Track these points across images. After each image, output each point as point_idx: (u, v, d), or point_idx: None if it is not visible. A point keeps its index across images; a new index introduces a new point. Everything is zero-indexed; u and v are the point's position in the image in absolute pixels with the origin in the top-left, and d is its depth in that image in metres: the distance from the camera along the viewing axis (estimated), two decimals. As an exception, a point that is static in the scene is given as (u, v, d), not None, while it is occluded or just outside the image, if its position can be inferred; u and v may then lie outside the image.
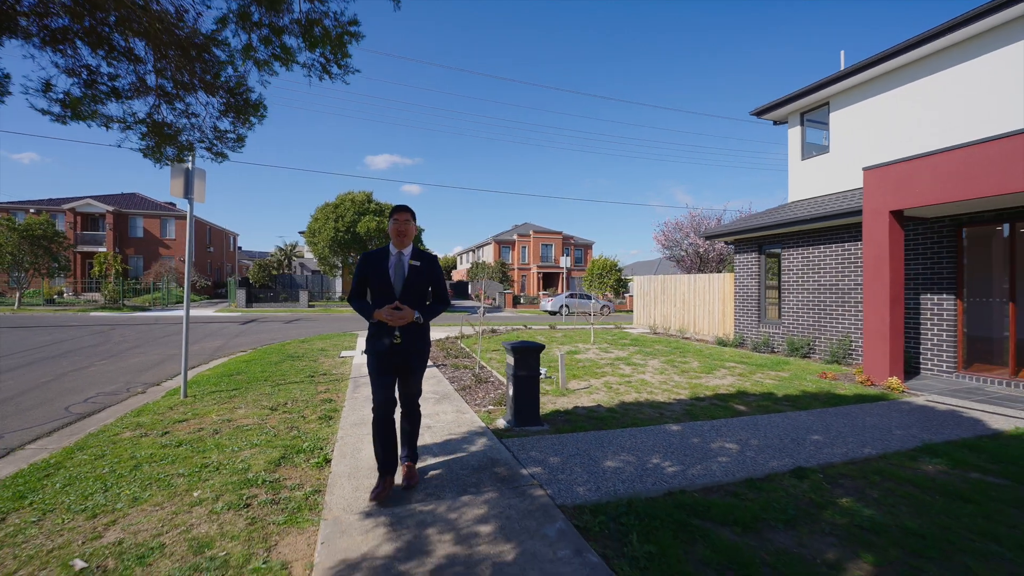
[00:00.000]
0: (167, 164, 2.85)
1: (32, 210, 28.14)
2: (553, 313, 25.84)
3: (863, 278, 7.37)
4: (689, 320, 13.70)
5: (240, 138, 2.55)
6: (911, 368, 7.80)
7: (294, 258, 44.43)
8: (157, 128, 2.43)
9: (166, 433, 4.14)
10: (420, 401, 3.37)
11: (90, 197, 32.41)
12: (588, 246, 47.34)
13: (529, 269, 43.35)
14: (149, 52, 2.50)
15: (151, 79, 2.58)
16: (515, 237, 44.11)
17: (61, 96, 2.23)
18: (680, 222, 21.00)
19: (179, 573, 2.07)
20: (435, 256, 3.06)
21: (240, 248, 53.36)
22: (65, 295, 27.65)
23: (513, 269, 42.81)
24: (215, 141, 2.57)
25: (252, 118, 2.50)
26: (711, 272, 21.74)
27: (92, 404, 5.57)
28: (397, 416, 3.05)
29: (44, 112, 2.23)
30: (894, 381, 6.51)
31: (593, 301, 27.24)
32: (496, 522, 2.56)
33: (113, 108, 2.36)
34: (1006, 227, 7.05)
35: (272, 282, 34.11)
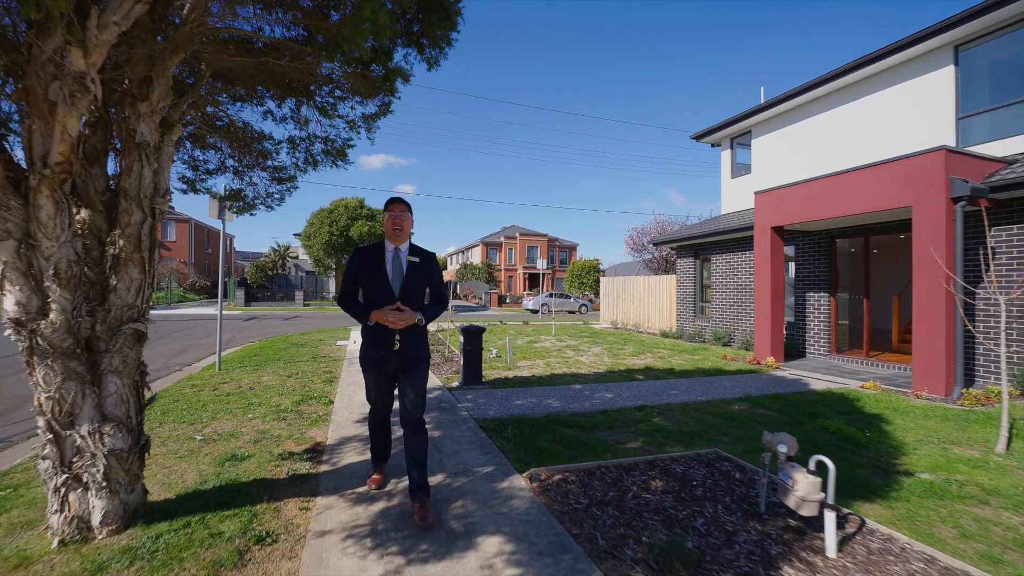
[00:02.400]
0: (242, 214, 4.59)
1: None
2: (534, 311, 27.62)
3: (755, 280, 9.24)
4: (644, 316, 15.54)
5: (282, 198, 4.30)
6: (799, 352, 9.68)
7: (288, 259, 45.88)
8: (235, 194, 4.18)
9: (216, 389, 5.88)
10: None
11: (93, 201, 33.80)
12: (573, 248, 49.32)
13: (515, 270, 45.24)
14: (227, 147, 4.27)
15: (229, 163, 4.34)
16: (502, 239, 45.99)
17: (186, 179, 3.98)
18: (646, 227, 22.97)
19: (255, 437, 3.83)
20: (433, 253, 2.90)
21: (235, 249, 54.61)
22: (71, 295, 29.07)
23: (500, 270, 44.69)
24: (266, 199, 4.32)
25: (290, 187, 4.26)
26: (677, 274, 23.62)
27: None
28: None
29: (178, 190, 3.99)
30: (770, 360, 8.36)
31: (572, 300, 29.12)
32: (434, 423, 4.35)
33: (213, 184, 4.12)
34: (862, 239, 8.94)
35: (269, 282, 35.64)
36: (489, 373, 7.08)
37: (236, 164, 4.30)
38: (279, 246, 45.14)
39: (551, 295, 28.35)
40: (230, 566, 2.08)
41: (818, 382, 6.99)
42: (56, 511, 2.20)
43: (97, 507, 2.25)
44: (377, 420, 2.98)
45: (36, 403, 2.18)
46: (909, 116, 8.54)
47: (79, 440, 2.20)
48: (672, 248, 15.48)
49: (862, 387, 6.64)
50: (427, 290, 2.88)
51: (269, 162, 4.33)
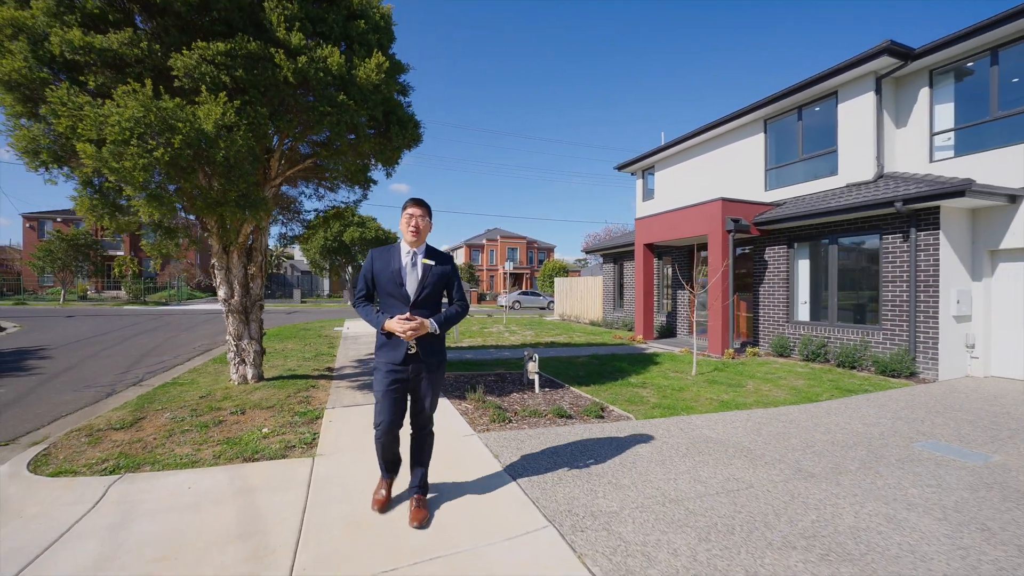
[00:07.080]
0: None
1: (59, 219, 32.59)
2: (506, 307, 31.17)
3: (634, 282, 12.87)
4: (584, 310, 19.16)
5: (308, 237, 7.80)
6: (672, 333, 13.32)
7: (283, 259, 49.06)
8: (283, 236, 7.68)
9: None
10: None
11: (105, 206, 36.78)
12: (550, 249, 53.03)
13: (497, 270, 48.87)
14: (276, 209, 7.79)
15: (279, 217, 7.85)
16: (484, 241, 49.60)
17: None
18: (599, 234, 26.62)
19: (296, 365, 7.37)
20: (451, 255, 2.60)
21: (233, 250, 57.50)
22: (89, 293, 32.17)
23: (482, 270, 48.33)
24: (299, 236, 7.82)
25: (310, 230, 7.76)
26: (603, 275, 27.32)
27: (204, 347, 10.70)
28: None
29: (255, 235, 7.51)
30: (640, 338, 11.98)
31: (541, 297, 32.70)
32: (392, 362, 7.93)
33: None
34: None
35: (268, 281, 38.89)
36: (439, 344, 10.61)
37: (282, 218, 7.81)
38: (274, 247, 48.37)
39: (523, 293, 31.91)
40: (304, 389, 5.62)
41: (653, 349, 10.61)
42: (235, 372, 5.73)
43: (249, 373, 5.77)
44: (384, 436, 2.65)
45: (227, 331, 5.69)
46: (746, 164, 12.18)
47: (244, 345, 5.72)
48: (600, 255, 19.12)
49: (680, 352, 10.24)
50: (444, 294, 2.77)
51: (301, 216, 7.86)
